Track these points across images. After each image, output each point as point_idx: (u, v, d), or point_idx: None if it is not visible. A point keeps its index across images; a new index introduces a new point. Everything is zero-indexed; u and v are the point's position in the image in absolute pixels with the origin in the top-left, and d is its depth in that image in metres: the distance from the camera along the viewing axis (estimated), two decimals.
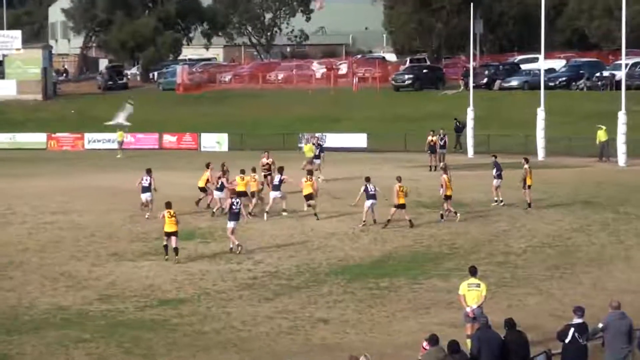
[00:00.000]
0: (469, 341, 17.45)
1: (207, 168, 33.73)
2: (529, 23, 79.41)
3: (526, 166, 33.20)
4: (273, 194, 32.42)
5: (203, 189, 33.55)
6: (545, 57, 54.21)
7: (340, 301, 22.23)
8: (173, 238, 26.00)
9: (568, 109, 57.22)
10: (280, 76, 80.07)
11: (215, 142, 58.32)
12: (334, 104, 67.56)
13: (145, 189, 32.26)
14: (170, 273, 24.94)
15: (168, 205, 26.29)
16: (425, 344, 15.62)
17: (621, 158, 45.13)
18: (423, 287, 23.34)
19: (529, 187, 32.91)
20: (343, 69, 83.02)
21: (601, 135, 47.06)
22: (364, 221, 30.37)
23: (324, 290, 23.18)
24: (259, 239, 29.00)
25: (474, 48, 62.06)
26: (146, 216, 31.82)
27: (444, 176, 31.35)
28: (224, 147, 57.11)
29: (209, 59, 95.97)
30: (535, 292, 22.77)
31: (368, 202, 30.30)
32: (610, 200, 34.52)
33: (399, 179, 30.73)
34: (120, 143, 55.37)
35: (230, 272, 25.04)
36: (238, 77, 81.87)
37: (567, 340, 15.95)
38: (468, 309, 18.42)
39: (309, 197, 32.03)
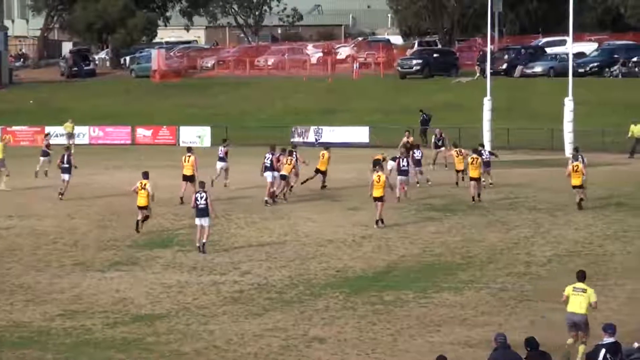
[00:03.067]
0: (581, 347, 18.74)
1: (189, 152, 36.22)
2: (554, 0, 79.60)
3: (472, 156, 35.49)
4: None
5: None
6: (574, 40, 54.30)
7: (339, 317, 22.32)
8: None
9: (600, 99, 57.37)
10: (270, 61, 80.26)
11: (196, 136, 58.43)
12: (332, 94, 67.73)
13: (221, 159, 37.92)
14: (144, 285, 25.03)
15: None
16: None
17: None
18: (433, 301, 23.44)
19: (475, 179, 35.05)
20: (342, 53, 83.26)
21: (636, 131, 47.18)
22: None
23: (320, 305, 23.28)
24: (246, 247, 29.11)
25: (492, 29, 62.17)
26: (225, 184, 37.80)
27: (380, 173, 31.70)
28: (206, 142, 57.18)
29: (188, 42, 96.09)
30: (561, 307, 22.72)
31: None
32: None
33: (577, 149, 36.53)
34: (70, 135, 55.00)
35: (213, 284, 25.14)
36: (222, 62, 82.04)
37: None
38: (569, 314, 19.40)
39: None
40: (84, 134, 58.97)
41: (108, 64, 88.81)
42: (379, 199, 31.21)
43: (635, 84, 61.78)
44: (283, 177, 35.74)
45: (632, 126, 47.38)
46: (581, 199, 33.56)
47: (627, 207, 34.01)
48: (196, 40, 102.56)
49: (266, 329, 21.47)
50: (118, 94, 72.77)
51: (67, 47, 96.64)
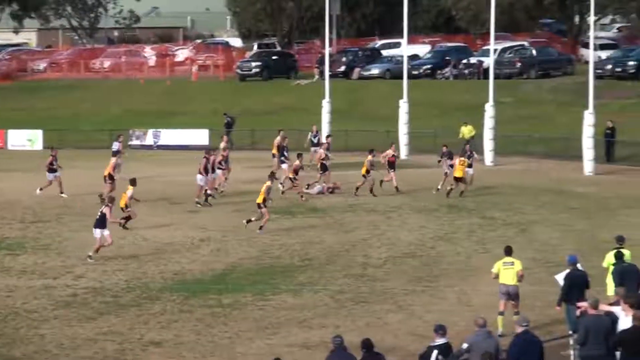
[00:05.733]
0: (500, 318, 20.68)
1: (113, 156, 37.35)
2: (390, 3, 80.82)
3: (369, 157, 37.06)
4: None
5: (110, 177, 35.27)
6: (409, 42, 55.23)
7: (176, 321, 22.19)
8: None
9: (433, 101, 58.39)
10: (107, 64, 79.07)
11: (26, 140, 56.99)
12: (170, 96, 67.13)
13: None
14: None
15: None
16: None
17: (488, 156, 46.15)
18: (271, 303, 23.52)
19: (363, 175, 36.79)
20: (180, 55, 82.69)
21: (466, 132, 48.16)
22: None
23: (157, 308, 23.09)
24: (80, 250, 28.53)
25: (330, 32, 62.77)
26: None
27: (268, 182, 31.82)
28: (38, 146, 55.80)
29: (18, 45, 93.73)
30: (396, 309, 23.19)
31: None
32: (477, 203, 35.60)
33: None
34: None
35: (45, 288, 24.61)
36: (55, 65, 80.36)
37: None
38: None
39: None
40: None
41: None
42: (259, 206, 31.20)
43: (464, 85, 63.06)
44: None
45: (463, 127, 48.31)
46: (462, 191, 36.42)
47: (457, 208, 34.81)
48: (27, 43, 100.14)
49: (100, 333, 21.17)
50: None
51: None
